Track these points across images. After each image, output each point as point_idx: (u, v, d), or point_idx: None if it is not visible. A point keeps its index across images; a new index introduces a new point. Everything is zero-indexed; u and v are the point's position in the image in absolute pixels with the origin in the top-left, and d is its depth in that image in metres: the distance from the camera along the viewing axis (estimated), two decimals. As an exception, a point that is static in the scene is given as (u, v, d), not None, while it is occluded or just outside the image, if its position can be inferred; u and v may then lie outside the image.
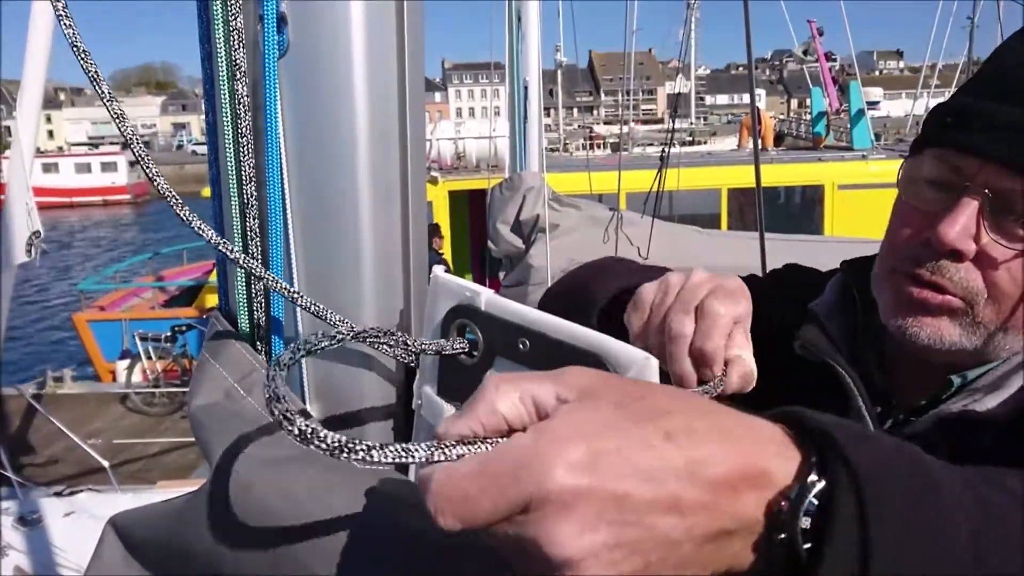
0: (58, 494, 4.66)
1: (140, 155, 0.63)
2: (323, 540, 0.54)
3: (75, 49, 0.61)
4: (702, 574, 0.41)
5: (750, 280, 1.08)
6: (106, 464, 5.00)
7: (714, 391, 0.65)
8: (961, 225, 0.76)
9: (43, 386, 9.36)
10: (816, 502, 0.41)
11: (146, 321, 10.82)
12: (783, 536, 0.41)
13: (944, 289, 0.78)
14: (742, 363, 0.70)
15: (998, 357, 0.81)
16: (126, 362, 10.05)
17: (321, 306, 0.65)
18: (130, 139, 0.63)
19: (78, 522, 4.24)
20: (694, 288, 0.74)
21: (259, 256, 0.68)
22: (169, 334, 9.85)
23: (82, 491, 4.74)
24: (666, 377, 0.68)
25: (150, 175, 0.63)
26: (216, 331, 0.71)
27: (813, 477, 0.42)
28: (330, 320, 0.64)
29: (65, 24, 0.60)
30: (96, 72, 0.61)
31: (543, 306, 1.09)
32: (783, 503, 0.41)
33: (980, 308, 0.78)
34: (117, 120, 0.63)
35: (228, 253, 0.64)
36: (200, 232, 0.63)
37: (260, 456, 0.59)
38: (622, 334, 0.70)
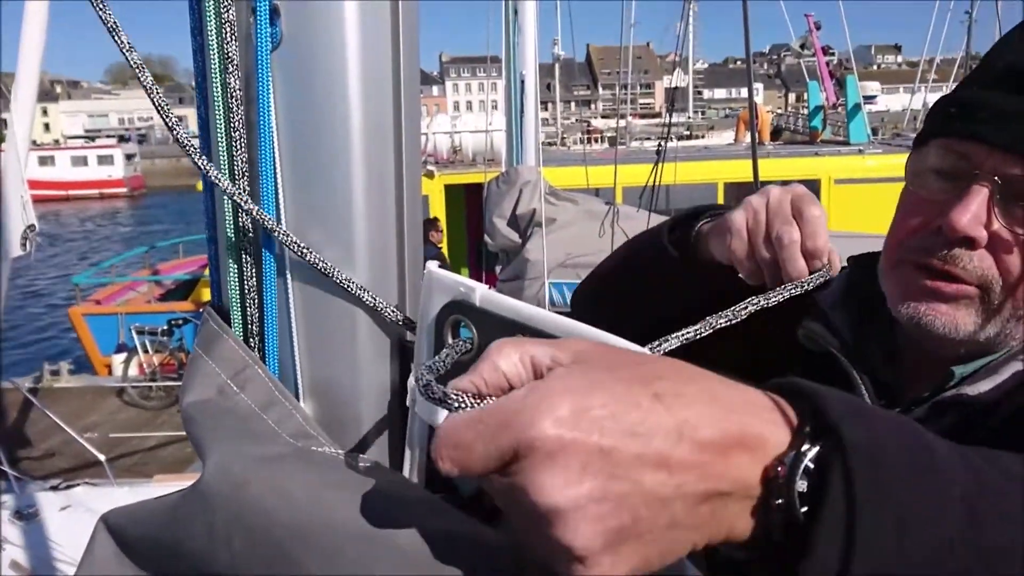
0: (54, 488, 4.65)
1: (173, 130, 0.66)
2: (318, 538, 0.53)
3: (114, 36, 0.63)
4: (699, 537, 0.42)
5: None
6: (102, 458, 5.00)
7: (827, 276, 0.82)
8: (972, 212, 0.76)
9: (40, 380, 9.35)
10: (812, 466, 0.42)
11: (142, 315, 10.82)
12: (780, 501, 0.42)
13: (958, 278, 0.78)
14: (835, 252, 0.84)
15: (1007, 345, 0.80)
16: (122, 356, 10.05)
17: (313, 254, 0.64)
18: (168, 122, 0.66)
19: (74, 516, 4.23)
20: (781, 201, 0.85)
21: (252, 252, 0.68)
22: (166, 328, 9.86)
23: (78, 485, 4.74)
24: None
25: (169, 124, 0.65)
26: (209, 326, 0.70)
27: (807, 445, 0.42)
28: (331, 274, 0.64)
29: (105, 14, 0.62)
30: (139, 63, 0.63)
31: (585, 293, 1.14)
32: (779, 468, 0.42)
33: (996, 295, 0.78)
34: (161, 111, 0.66)
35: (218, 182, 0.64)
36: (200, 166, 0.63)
37: (254, 454, 0.58)
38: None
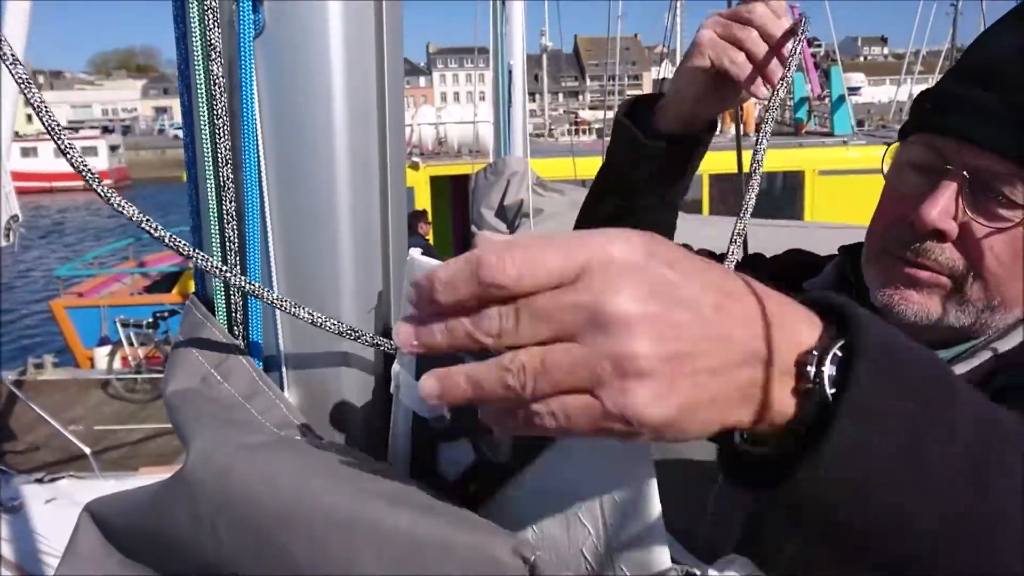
0: (39, 481, 4.62)
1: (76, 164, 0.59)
2: (303, 525, 0.53)
3: None
4: (738, 398, 0.45)
5: (754, 259, 1.12)
6: (87, 451, 4.97)
7: (807, 28, 0.86)
8: (941, 206, 0.78)
9: (24, 373, 9.27)
10: (840, 355, 0.46)
11: (126, 307, 10.73)
12: (810, 385, 0.46)
13: (931, 269, 0.81)
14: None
15: (983, 334, 0.83)
16: (105, 349, 9.97)
17: (297, 306, 0.64)
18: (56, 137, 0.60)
19: (59, 509, 4.21)
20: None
21: (235, 240, 0.67)
22: (151, 320, 9.78)
23: (63, 478, 4.70)
24: None
25: (114, 204, 0.60)
26: (193, 316, 0.70)
27: (838, 339, 0.46)
28: (302, 317, 0.63)
29: None
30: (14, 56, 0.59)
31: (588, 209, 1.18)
32: (813, 352, 0.46)
33: (968, 287, 0.80)
34: (42, 116, 0.61)
35: (207, 265, 0.63)
36: (174, 246, 0.62)
37: (238, 441, 0.58)
38: None
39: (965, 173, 0.78)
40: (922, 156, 0.83)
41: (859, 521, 0.47)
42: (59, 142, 0.60)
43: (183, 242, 0.62)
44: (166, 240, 0.61)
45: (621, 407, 0.41)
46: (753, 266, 1.08)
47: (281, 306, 0.63)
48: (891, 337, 0.48)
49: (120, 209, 0.59)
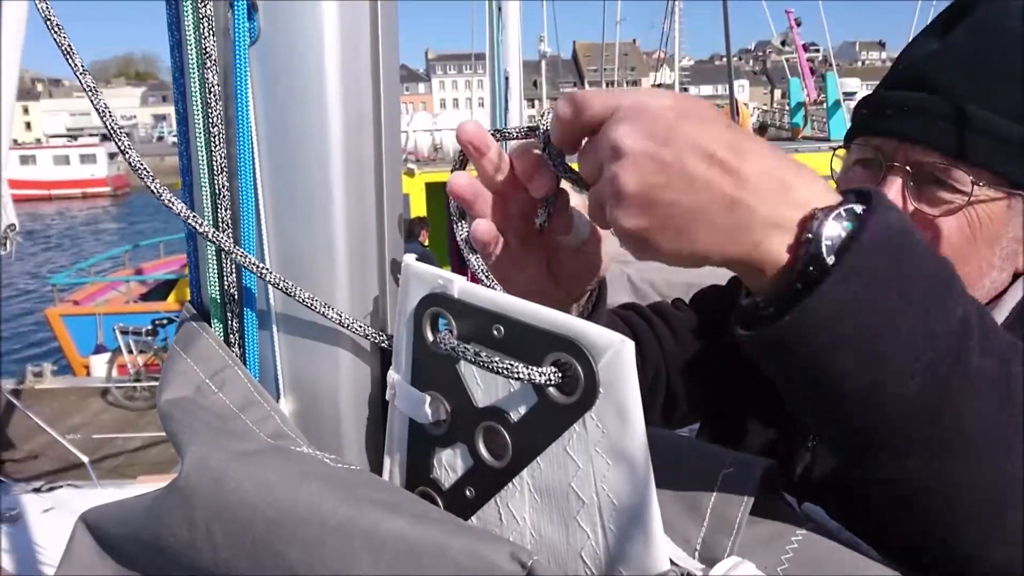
0: (37, 490, 4.61)
1: (120, 145, 0.63)
2: (300, 530, 0.53)
3: (55, 36, 0.61)
4: (721, 239, 0.53)
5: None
6: (86, 459, 4.96)
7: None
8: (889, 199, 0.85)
9: (22, 381, 9.26)
10: (846, 225, 0.52)
11: (122, 315, 10.73)
12: (809, 236, 0.52)
13: None
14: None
15: None
16: (103, 356, 9.96)
17: (290, 283, 0.64)
18: (112, 130, 0.64)
19: (58, 518, 4.20)
20: None
21: (231, 247, 0.67)
22: (150, 328, 9.79)
23: (62, 487, 4.69)
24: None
25: (130, 161, 0.63)
26: (188, 324, 0.70)
27: (847, 206, 0.52)
28: (299, 298, 0.64)
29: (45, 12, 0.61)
30: (80, 63, 0.61)
31: None
32: (818, 213, 0.52)
33: None
34: (101, 113, 0.64)
35: (197, 227, 0.63)
36: (172, 207, 0.63)
37: (232, 449, 0.58)
38: None
39: (908, 168, 0.87)
40: (867, 156, 0.92)
41: (834, 373, 0.52)
42: (118, 141, 0.65)
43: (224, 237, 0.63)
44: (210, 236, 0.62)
45: (612, 218, 0.56)
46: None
47: (278, 284, 0.64)
48: (905, 225, 0.53)
49: (170, 204, 0.64)
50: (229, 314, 0.69)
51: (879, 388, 0.51)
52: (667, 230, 0.53)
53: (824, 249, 0.51)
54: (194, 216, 0.65)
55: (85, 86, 0.63)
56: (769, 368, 0.58)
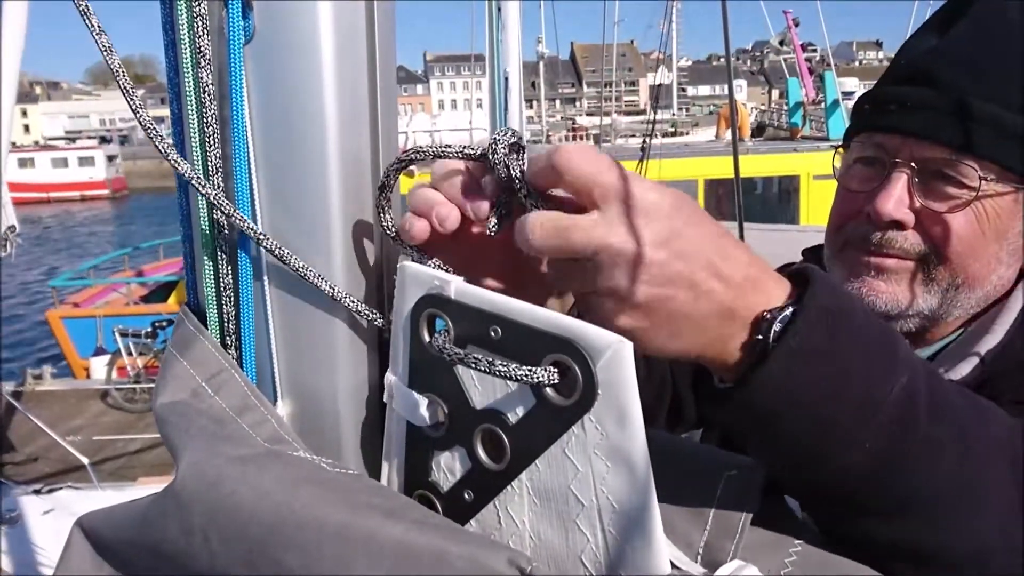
0: (37, 492, 4.61)
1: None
2: (296, 535, 0.53)
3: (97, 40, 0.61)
4: (704, 341, 0.55)
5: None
6: (86, 461, 4.96)
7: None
8: (896, 197, 0.86)
9: (22, 383, 9.26)
10: (790, 315, 0.54)
11: (122, 317, 10.74)
12: (759, 337, 0.55)
13: (897, 256, 0.88)
14: None
15: (952, 315, 0.89)
16: (103, 359, 9.96)
17: (285, 251, 0.64)
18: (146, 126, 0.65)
19: (58, 520, 4.20)
20: None
21: (227, 251, 0.67)
22: (150, 330, 9.79)
23: (62, 488, 4.69)
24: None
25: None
26: (184, 327, 0.69)
27: (792, 304, 0.55)
28: (295, 266, 0.63)
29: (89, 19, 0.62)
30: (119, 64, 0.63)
31: None
32: (769, 313, 0.55)
33: (933, 268, 0.87)
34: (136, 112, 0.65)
35: (209, 194, 0.63)
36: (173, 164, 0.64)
37: (228, 453, 0.58)
38: None
39: (913, 163, 0.86)
40: (869, 154, 0.91)
41: (786, 442, 0.56)
42: (151, 134, 0.65)
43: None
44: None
45: (606, 312, 0.55)
46: None
47: (274, 251, 0.64)
48: (839, 299, 0.56)
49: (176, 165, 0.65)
50: (226, 317, 0.68)
51: (827, 455, 0.55)
52: (661, 332, 0.55)
53: (771, 335, 0.55)
54: (199, 179, 0.65)
55: (122, 87, 0.65)
56: (738, 432, 0.62)
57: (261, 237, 0.64)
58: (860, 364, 0.54)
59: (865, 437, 0.54)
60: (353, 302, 0.65)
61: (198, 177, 0.65)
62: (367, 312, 0.66)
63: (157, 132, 0.64)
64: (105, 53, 0.64)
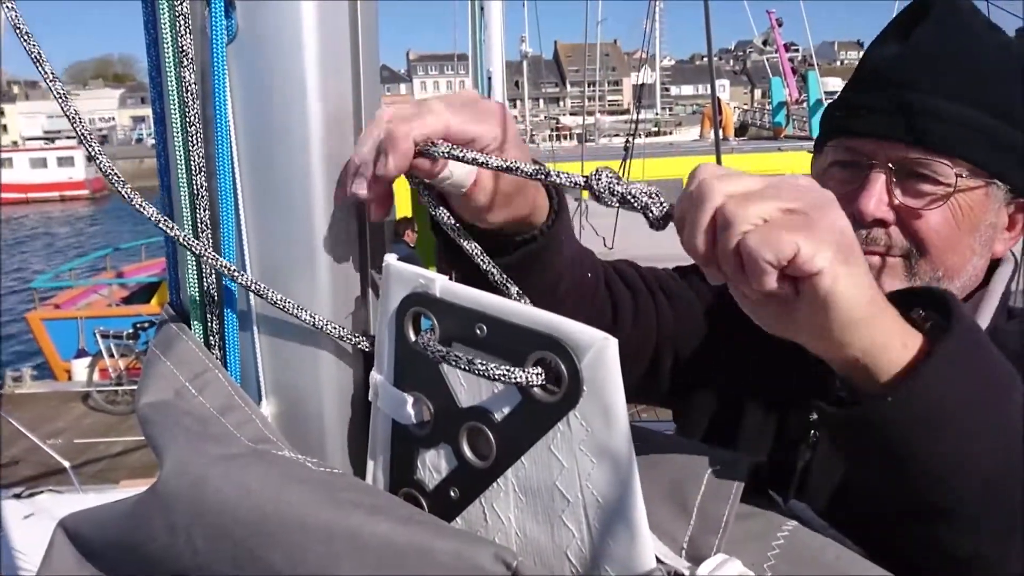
0: (17, 496, 4.55)
1: (93, 151, 0.62)
2: (282, 534, 0.53)
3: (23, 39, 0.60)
4: (876, 339, 0.60)
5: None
6: (67, 464, 4.91)
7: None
8: (876, 196, 0.91)
9: (2, 386, 9.14)
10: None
11: (104, 319, 10.63)
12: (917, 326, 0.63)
13: (882, 253, 0.92)
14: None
15: None
16: (84, 361, 9.86)
17: (273, 292, 0.63)
18: (83, 136, 0.63)
19: (38, 524, 4.14)
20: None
21: (210, 248, 0.67)
22: (131, 331, 9.69)
23: (43, 492, 4.63)
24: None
25: (102, 167, 0.62)
26: (167, 327, 0.69)
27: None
28: (272, 300, 0.63)
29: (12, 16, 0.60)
30: (51, 71, 0.60)
31: None
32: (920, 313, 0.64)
33: (915, 262, 0.92)
34: (71, 119, 0.63)
35: (177, 236, 0.63)
36: (145, 212, 0.62)
37: (212, 452, 0.57)
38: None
39: (890, 164, 0.91)
40: (845, 157, 0.96)
41: (926, 454, 0.60)
42: (89, 148, 0.65)
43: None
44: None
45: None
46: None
47: (256, 290, 0.64)
48: (976, 324, 0.65)
49: (141, 209, 0.64)
50: (209, 316, 0.68)
51: (960, 468, 0.61)
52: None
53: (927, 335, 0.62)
54: (165, 220, 0.65)
55: (55, 93, 0.62)
56: (850, 446, 0.67)
57: (252, 284, 0.64)
58: (1000, 378, 0.63)
59: (995, 450, 0.61)
60: (335, 328, 0.66)
61: (186, 235, 0.65)
62: (350, 336, 0.67)
63: (87, 138, 0.64)
64: (37, 64, 0.62)
